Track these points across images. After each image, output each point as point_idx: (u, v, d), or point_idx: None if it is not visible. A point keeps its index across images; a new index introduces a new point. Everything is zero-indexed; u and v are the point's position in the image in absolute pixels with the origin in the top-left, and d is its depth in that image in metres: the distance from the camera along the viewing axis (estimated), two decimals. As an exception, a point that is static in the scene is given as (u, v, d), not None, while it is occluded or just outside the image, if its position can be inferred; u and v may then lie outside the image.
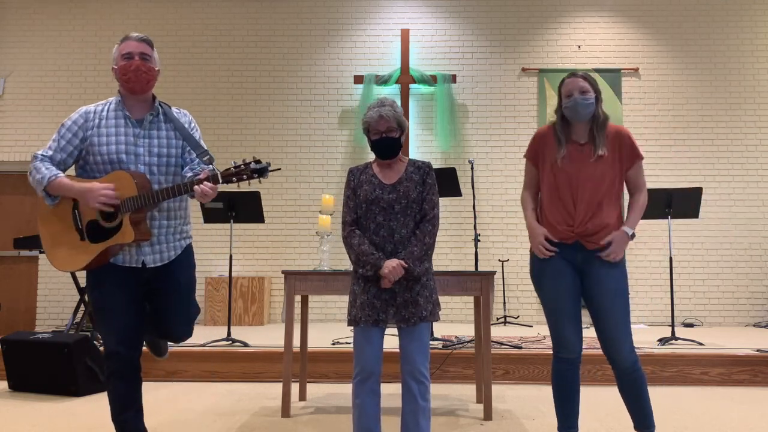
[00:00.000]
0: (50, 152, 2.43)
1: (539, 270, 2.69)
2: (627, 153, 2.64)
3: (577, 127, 2.67)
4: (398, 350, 2.58)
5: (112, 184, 2.34)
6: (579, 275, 2.65)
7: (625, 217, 2.67)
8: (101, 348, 4.67)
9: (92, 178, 2.42)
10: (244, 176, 2.32)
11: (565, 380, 2.66)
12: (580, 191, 2.59)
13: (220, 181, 2.32)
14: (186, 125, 2.54)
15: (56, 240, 2.47)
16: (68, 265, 2.44)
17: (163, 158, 2.48)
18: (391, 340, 4.94)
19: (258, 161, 2.33)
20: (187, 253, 2.61)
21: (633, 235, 2.61)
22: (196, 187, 2.29)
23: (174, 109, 2.58)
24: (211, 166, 2.40)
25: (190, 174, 2.47)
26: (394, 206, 2.58)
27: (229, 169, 2.34)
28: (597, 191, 2.58)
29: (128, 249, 2.42)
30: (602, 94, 2.71)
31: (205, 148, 2.49)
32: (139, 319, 2.47)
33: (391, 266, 2.47)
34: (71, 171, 2.51)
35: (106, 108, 2.49)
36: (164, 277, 2.50)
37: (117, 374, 2.42)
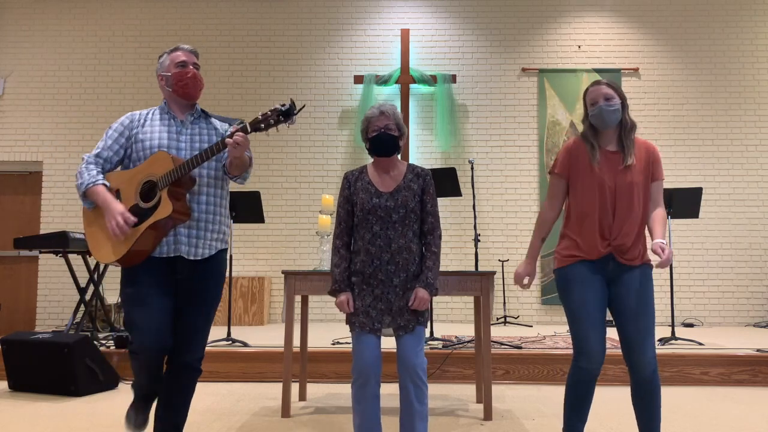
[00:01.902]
0: (98, 150, 2.57)
1: (565, 276, 2.64)
2: (655, 167, 2.64)
3: (606, 135, 2.64)
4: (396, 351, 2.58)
5: (130, 219, 2.38)
6: (607, 283, 2.62)
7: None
8: (102, 348, 4.68)
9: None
10: (271, 121, 2.36)
11: (580, 389, 2.62)
12: (618, 199, 2.57)
13: (249, 130, 2.39)
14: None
15: (99, 235, 2.51)
16: (111, 255, 2.46)
17: None
18: (390, 340, 4.95)
19: (283, 104, 2.36)
20: (221, 259, 2.63)
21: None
22: (227, 140, 2.37)
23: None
24: (241, 123, 2.49)
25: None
26: (392, 215, 2.56)
27: (256, 117, 2.40)
28: (633, 200, 2.57)
29: (164, 241, 2.44)
30: (627, 100, 2.68)
31: None
32: (169, 319, 2.47)
33: (422, 303, 2.52)
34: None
35: (151, 112, 2.64)
36: (193, 281, 2.51)
37: (141, 366, 2.46)
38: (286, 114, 2.34)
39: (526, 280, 2.73)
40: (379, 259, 2.54)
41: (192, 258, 2.49)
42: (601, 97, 2.59)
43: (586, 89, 2.68)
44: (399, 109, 2.71)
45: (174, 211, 2.36)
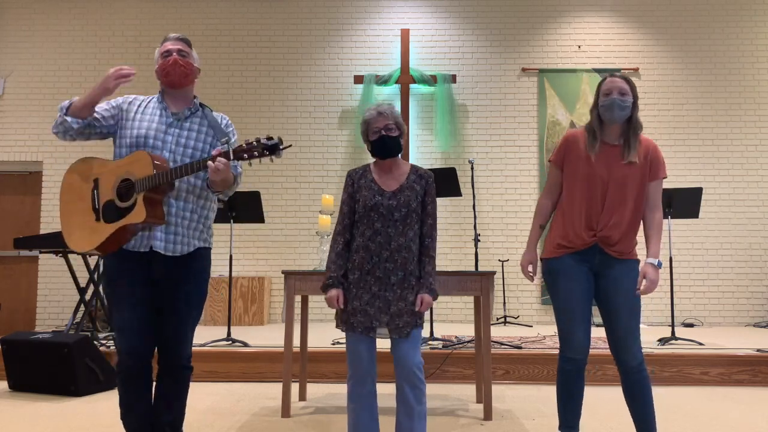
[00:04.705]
0: None
1: (552, 269, 2.68)
2: (654, 165, 2.63)
3: (610, 129, 2.65)
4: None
5: (124, 70, 2.38)
6: (593, 276, 2.65)
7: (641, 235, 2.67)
8: (102, 348, 4.68)
9: (119, 159, 2.48)
10: (255, 153, 2.32)
11: (569, 380, 2.66)
12: (610, 191, 2.58)
13: (231, 156, 2.33)
14: (221, 125, 2.59)
15: (73, 220, 2.50)
16: (81, 245, 2.44)
17: (189, 150, 2.49)
18: (386, 340, 4.95)
19: (270, 138, 2.32)
20: (201, 256, 2.56)
21: (660, 264, 2.57)
22: (209, 162, 2.31)
23: (215, 113, 2.63)
24: (226, 145, 2.42)
25: None
26: (393, 214, 2.56)
27: (241, 145, 2.35)
28: (625, 194, 2.58)
29: (139, 234, 2.41)
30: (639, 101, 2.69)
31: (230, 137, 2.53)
32: (151, 320, 2.44)
33: (427, 306, 2.53)
34: (106, 152, 2.52)
35: (147, 99, 2.60)
36: (172, 283, 2.47)
37: (126, 373, 2.42)
38: (272, 149, 2.30)
39: (530, 268, 2.77)
40: (378, 256, 2.54)
41: (169, 254, 2.43)
42: (616, 90, 2.60)
43: (603, 79, 2.69)
44: (399, 109, 2.72)
45: (147, 218, 2.32)
